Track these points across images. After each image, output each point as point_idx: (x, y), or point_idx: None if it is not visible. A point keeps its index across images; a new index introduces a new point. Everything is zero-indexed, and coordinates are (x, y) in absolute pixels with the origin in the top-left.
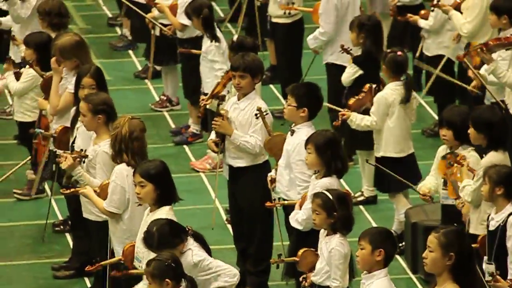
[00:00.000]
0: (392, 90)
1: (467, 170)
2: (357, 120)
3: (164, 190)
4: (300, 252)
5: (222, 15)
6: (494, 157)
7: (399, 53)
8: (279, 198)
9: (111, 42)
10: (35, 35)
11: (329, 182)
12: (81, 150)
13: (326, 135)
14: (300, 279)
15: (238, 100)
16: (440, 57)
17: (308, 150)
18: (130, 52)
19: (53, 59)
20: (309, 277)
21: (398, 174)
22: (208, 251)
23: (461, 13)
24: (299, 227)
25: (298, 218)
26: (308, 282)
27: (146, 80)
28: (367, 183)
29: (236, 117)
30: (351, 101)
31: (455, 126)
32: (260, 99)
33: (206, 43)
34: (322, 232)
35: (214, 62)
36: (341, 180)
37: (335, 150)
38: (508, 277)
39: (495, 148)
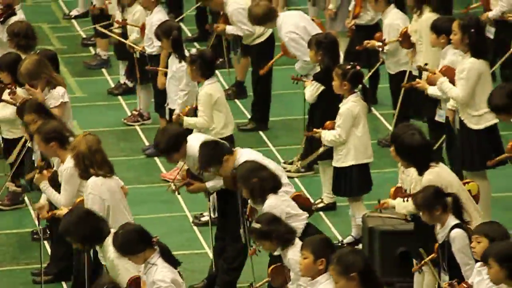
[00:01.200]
0: (355, 102)
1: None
2: (326, 137)
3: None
4: (269, 270)
5: (189, 34)
6: (430, 174)
7: (358, 67)
8: (251, 284)
9: (85, 61)
10: (4, 57)
11: (273, 202)
12: (53, 169)
13: (247, 167)
14: None
15: None
16: (403, 73)
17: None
18: (104, 70)
19: (27, 87)
20: None
21: (357, 180)
22: (174, 263)
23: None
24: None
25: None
26: None
27: (119, 96)
28: (327, 190)
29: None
30: (329, 123)
31: (395, 144)
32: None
33: (175, 62)
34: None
35: (181, 82)
36: (302, 188)
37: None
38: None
39: (425, 170)
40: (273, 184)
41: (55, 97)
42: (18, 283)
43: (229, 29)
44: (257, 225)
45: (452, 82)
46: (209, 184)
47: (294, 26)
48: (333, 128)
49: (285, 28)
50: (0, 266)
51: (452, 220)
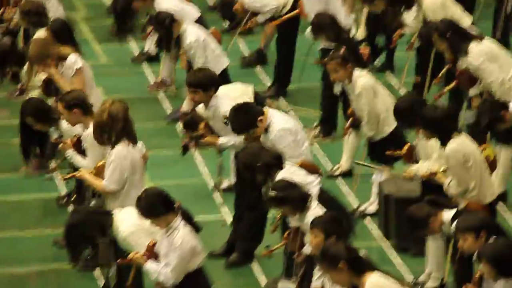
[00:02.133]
0: (365, 77)
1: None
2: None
3: None
4: (285, 234)
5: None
6: (454, 142)
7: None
8: (267, 246)
9: (111, 29)
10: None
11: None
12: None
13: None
14: (294, 257)
15: (205, 108)
16: None
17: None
18: (130, 38)
19: (46, 69)
20: (301, 254)
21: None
22: (195, 229)
23: None
24: None
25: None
26: (301, 257)
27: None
28: (346, 155)
29: (213, 125)
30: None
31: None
32: (223, 101)
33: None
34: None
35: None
36: (323, 153)
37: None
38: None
39: (449, 138)
40: (276, 163)
41: (69, 66)
42: (42, 247)
43: (260, 19)
44: (273, 193)
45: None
46: (221, 140)
47: None
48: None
49: None
50: (25, 229)
51: (448, 214)
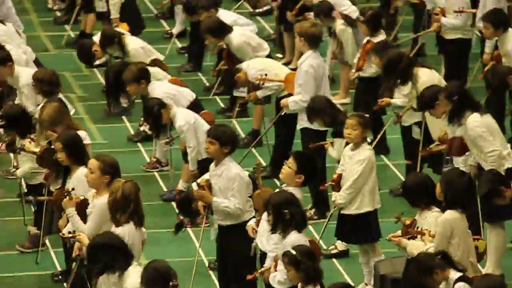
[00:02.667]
0: (371, 150)
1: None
2: (341, 195)
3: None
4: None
5: (207, 84)
6: (451, 214)
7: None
8: (256, 269)
9: (105, 109)
10: (9, 108)
11: (296, 238)
12: (84, 197)
13: (284, 195)
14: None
15: (215, 166)
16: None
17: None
18: (124, 117)
19: (49, 133)
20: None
21: (374, 224)
22: None
23: None
24: (283, 287)
25: (280, 279)
26: None
27: (138, 143)
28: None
29: (215, 183)
30: (335, 175)
31: (410, 195)
32: (235, 164)
33: None
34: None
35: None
36: (315, 235)
37: (293, 208)
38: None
39: (452, 208)
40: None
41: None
42: None
43: (260, 94)
44: (293, 251)
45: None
46: (215, 199)
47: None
48: (340, 180)
49: None
50: None
51: (454, 274)
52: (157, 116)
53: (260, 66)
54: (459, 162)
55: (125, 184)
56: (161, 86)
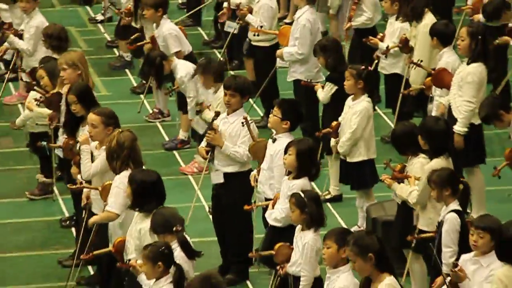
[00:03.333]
0: (369, 102)
1: (414, 178)
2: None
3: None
4: (277, 246)
5: (206, 38)
6: (437, 163)
7: (370, 67)
8: (254, 201)
9: (110, 62)
10: (46, 60)
11: (304, 183)
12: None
13: (308, 143)
14: (277, 268)
15: (228, 115)
16: (396, 74)
17: (289, 152)
18: (127, 70)
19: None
20: (285, 267)
21: (368, 172)
22: (191, 254)
23: None
24: (278, 224)
25: (277, 216)
26: (283, 271)
27: (141, 95)
28: (334, 183)
29: (226, 130)
30: (335, 124)
31: (397, 144)
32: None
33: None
34: (298, 228)
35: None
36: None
37: (313, 157)
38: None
39: (437, 155)
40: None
41: None
42: (47, 267)
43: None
44: (302, 194)
45: (448, 84)
46: (226, 144)
47: None
48: (338, 128)
49: None
50: (30, 251)
51: (454, 205)
52: (159, 67)
53: None
54: (433, 110)
55: (120, 134)
56: (171, 23)
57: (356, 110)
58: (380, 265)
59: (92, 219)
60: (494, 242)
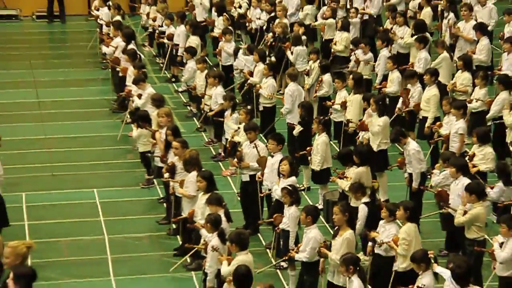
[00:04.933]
0: (326, 137)
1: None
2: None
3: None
4: (274, 216)
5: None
6: (361, 169)
7: (327, 117)
8: (262, 191)
9: (186, 114)
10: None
11: (293, 180)
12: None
13: (292, 159)
14: (276, 228)
15: (250, 143)
16: (341, 122)
17: (284, 163)
18: (194, 118)
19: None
20: (279, 228)
21: (326, 174)
22: (229, 220)
23: None
24: (279, 198)
25: (278, 195)
26: (279, 230)
27: (203, 133)
28: (306, 180)
29: (248, 151)
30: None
31: (341, 159)
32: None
33: None
34: (286, 206)
35: None
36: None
37: (296, 167)
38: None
39: (363, 165)
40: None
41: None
42: (149, 224)
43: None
44: (288, 187)
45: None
46: (251, 164)
47: None
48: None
49: None
50: (142, 215)
51: (365, 199)
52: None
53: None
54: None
55: (190, 151)
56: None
57: (320, 141)
58: (348, 222)
59: (180, 191)
60: (406, 215)
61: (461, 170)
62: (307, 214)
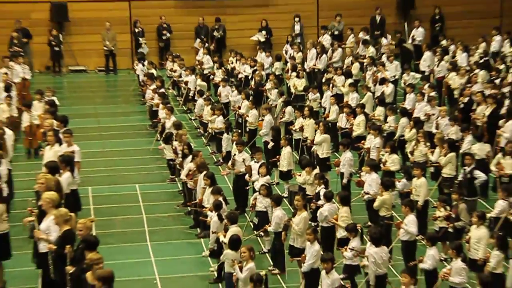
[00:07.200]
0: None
1: None
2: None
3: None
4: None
5: None
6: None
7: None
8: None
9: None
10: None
11: (267, 179)
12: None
13: (268, 165)
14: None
15: (239, 152)
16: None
17: (262, 168)
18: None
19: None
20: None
21: (288, 174)
22: (226, 203)
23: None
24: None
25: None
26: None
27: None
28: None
29: (240, 159)
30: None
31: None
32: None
33: None
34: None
35: None
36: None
37: (269, 170)
38: None
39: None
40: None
41: None
42: (173, 218)
43: None
44: (266, 184)
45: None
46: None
47: None
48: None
49: None
50: (169, 212)
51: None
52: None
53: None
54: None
55: (201, 159)
56: None
57: (286, 152)
58: (304, 206)
59: (193, 183)
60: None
61: (373, 168)
62: (272, 200)
